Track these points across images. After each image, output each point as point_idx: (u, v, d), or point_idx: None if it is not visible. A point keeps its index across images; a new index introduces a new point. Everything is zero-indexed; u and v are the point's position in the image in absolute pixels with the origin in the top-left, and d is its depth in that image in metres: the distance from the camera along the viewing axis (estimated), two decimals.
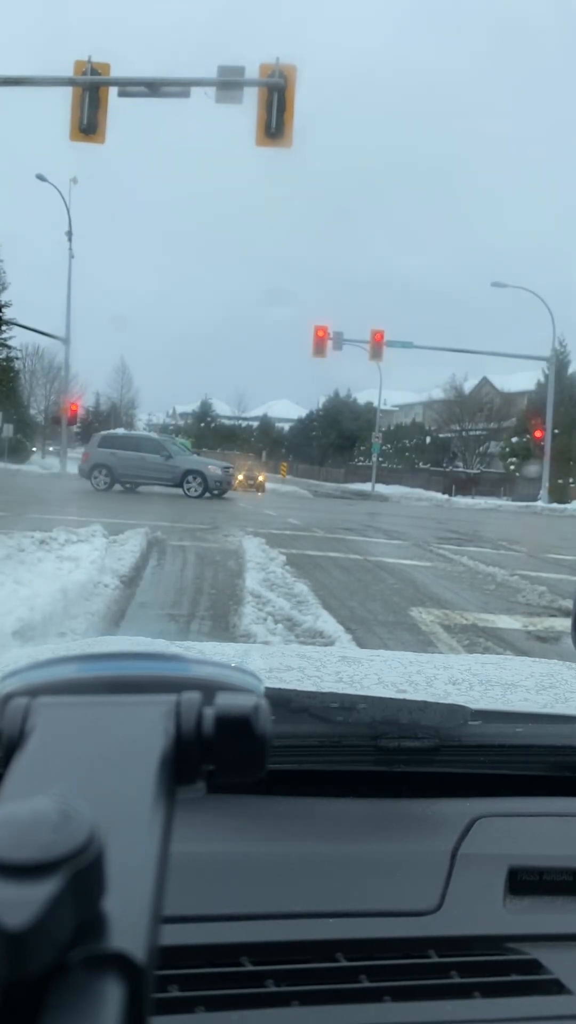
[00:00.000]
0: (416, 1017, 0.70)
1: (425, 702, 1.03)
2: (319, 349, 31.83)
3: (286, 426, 71.58)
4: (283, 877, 0.82)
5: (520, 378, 52.47)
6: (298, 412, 73.66)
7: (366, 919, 0.79)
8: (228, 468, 27.50)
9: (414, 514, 22.66)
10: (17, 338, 43.81)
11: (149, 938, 0.36)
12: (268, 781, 0.57)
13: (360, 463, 51.57)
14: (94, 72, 15.71)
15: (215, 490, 25.46)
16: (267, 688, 0.54)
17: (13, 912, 0.33)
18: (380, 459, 43.59)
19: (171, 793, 0.44)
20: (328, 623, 6.45)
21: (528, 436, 41.20)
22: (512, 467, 44.96)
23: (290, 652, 1.62)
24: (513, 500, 37.39)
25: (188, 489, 25.06)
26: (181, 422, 79.61)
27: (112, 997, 0.34)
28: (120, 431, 29.90)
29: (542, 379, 42.10)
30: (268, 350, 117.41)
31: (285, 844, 0.87)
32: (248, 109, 15.39)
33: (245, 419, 76.36)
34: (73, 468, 29.94)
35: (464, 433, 51.49)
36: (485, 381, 56.76)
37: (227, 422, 75.12)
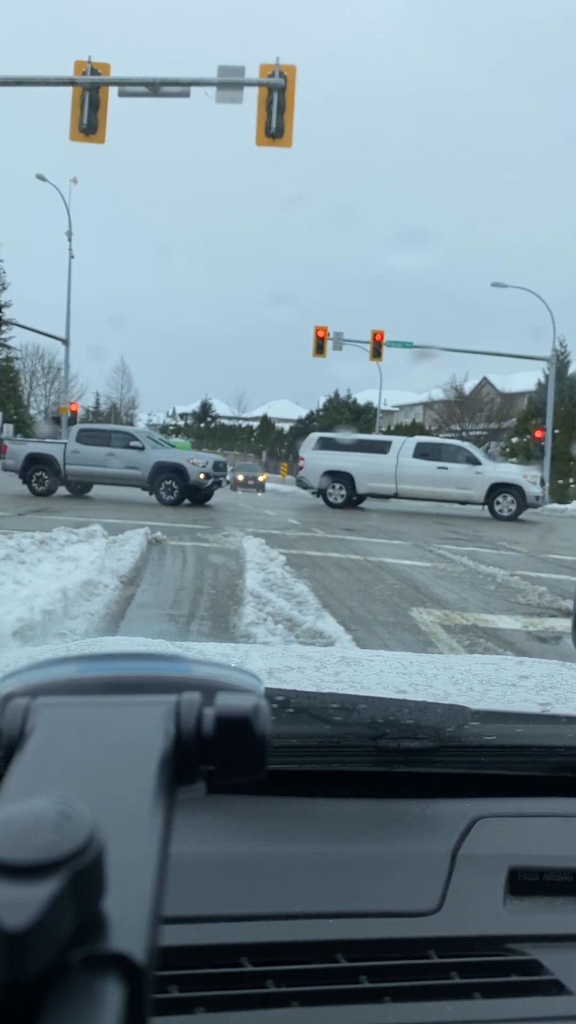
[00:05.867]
0: (416, 1018, 0.70)
1: (425, 703, 1.03)
2: (319, 349, 31.85)
3: (286, 426, 71.60)
4: (283, 877, 0.82)
5: (520, 378, 52.56)
6: (298, 412, 73.78)
7: (366, 920, 0.79)
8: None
9: (414, 514, 22.64)
10: (17, 338, 43.93)
11: (149, 938, 0.36)
12: (268, 781, 0.57)
13: None
14: (94, 72, 15.75)
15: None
16: (267, 688, 0.54)
17: (13, 912, 0.33)
18: None
19: (171, 793, 0.44)
20: (328, 623, 6.44)
21: (528, 436, 41.20)
22: None
23: (290, 652, 1.62)
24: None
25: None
26: (181, 422, 79.61)
27: (112, 997, 0.34)
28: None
29: (542, 379, 42.12)
30: (268, 350, 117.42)
31: (285, 844, 0.87)
32: (248, 109, 15.43)
33: (245, 419, 76.42)
34: None
35: (464, 433, 51.55)
36: (485, 381, 56.85)
37: (227, 422, 75.17)
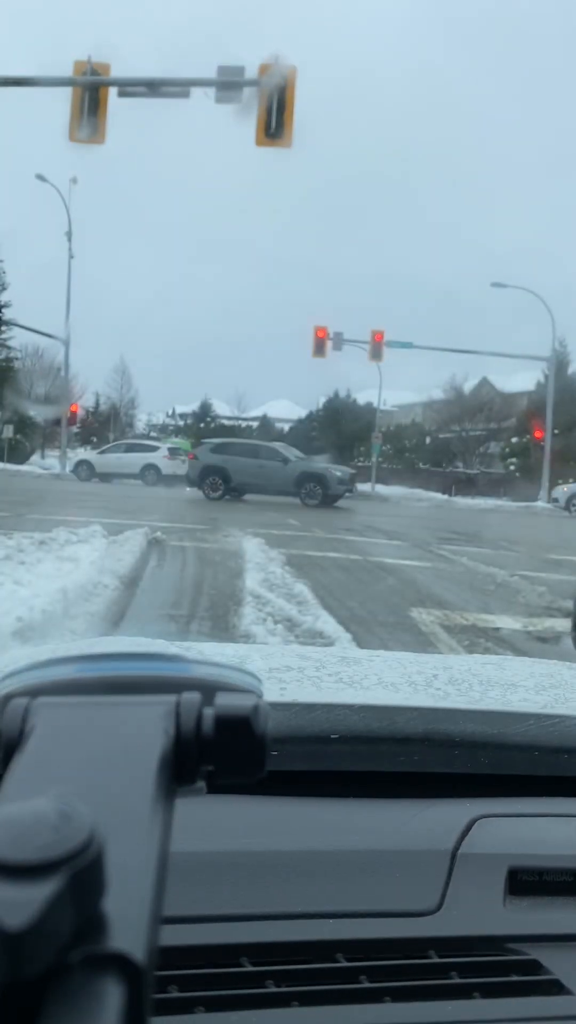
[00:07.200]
0: (416, 1018, 0.70)
1: (424, 705, 1.03)
2: (319, 349, 31.87)
3: (286, 426, 71.49)
4: (283, 877, 0.82)
5: (520, 378, 52.47)
6: (298, 412, 73.67)
7: (366, 920, 0.79)
8: None
9: (414, 514, 22.60)
10: (16, 338, 43.87)
11: (149, 938, 0.36)
12: (268, 781, 0.57)
13: (360, 463, 51.65)
14: (94, 72, 15.72)
15: None
16: (272, 702, 0.54)
17: (12, 912, 0.33)
18: (380, 459, 43.58)
19: (171, 793, 0.44)
20: (328, 623, 6.45)
21: (528, 436, 41.22)
22: (512, 467, 44.99)
23: (290, 652, 1.62)
24: (513, 500, 37.34)
25: None
26: (181, 422, 79.51)
27: (112, 998, 0.34)
28: None
29: (542, 379, 42.12)
30: (268, 350, 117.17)
31: (285, 844, 0.87)
32: (248, 109, 15.40)
33: (245, 419, 76.30)
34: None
35: (464, 433, 51.45)
36: (485, 381, 56.76)
37: (227, 422, 75.07)
